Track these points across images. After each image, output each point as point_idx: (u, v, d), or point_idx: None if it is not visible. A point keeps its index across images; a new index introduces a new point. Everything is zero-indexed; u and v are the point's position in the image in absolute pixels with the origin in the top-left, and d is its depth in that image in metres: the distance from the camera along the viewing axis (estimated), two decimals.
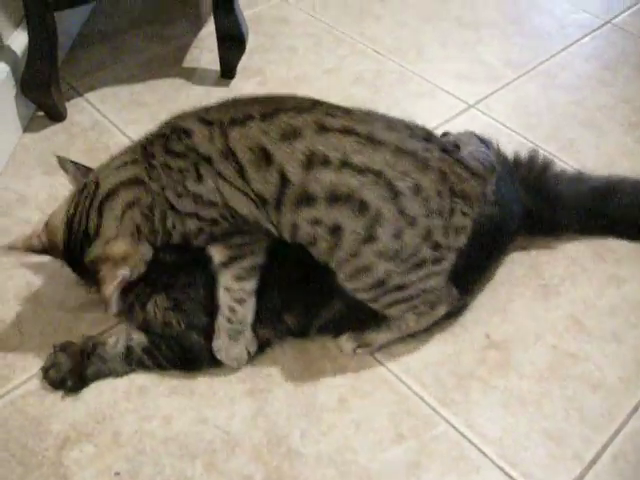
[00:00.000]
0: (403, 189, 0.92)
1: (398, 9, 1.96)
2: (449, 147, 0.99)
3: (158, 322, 1.11)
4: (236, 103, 0.99)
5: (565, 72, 1.74)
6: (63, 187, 1.39)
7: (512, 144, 1.45)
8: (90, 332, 1.17)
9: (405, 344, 1.16)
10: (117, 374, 1.14)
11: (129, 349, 1.13)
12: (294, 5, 1.95)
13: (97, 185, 1.02)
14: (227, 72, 1.64)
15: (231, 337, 1.10)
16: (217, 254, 1.04)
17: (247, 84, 1.65)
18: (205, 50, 1.75)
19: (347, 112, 0.95)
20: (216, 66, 1.67)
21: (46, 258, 1.28)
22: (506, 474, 1.02)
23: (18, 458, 1.03)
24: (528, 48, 1.82)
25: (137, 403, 1.11)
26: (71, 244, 1.03)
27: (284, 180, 0.92)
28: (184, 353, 1.11)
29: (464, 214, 0.97)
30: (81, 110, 1.58)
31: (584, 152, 1.52)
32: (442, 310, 1.12)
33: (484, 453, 1.05)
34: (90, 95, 1.62)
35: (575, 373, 1.14)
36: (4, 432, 1.06)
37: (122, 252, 1.01)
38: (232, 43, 1.56)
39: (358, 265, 0.96)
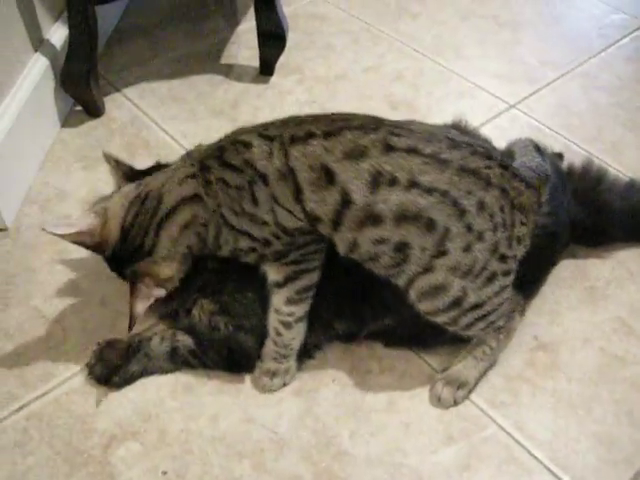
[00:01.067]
0: (468, 207, 0.91)
1: (435, 7, 1.94)
2: (506, 162, 0.99)
3: (204, 326, 1.08)
4: (297, 120, 0.96)
5: (605, 73, 1.71)
6: (103, 183, 1.38)
7: (556, 145, 1.43)
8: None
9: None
10: (162, 372, 1.12)
11: (175, 350, 1.11)
12: (331, 2, 1.93)
13: (160, 200, 0.98)
14: (266, 69, 1.62)
15: (276, 360, 1.09)
16: (272, 273, 1.02)
17: (286, 81, 1.63)
18: (243, 46, 1.73)
19: (411, 131, 0.93)
20: (254, 62, 1.65)
21: (86, 253, 1.27)
22: (558, 478, 1.00)
23: (63, 456, 1.02)
24: (567, 49, 1.79)
25: (183, 401, 1.09)
26: (121, 252, 1.01)
27: (346, 201, 0.90)
28: (232, 355, 1.09)
29: (522, 224, 0.97)
30: (119, 105, 1.57)
31: (626, 154, 1.49)
32: (517, 320, 1.11)
33: (535, 456, 1.02)
34: (128, 90, 1.60)
35: (624, 376, 1.12)
36: (49, 430, 1.05)
37: (166, 276, 1.00)
38: (272, 40, 1.54)
39: (432, 282, 0.95)
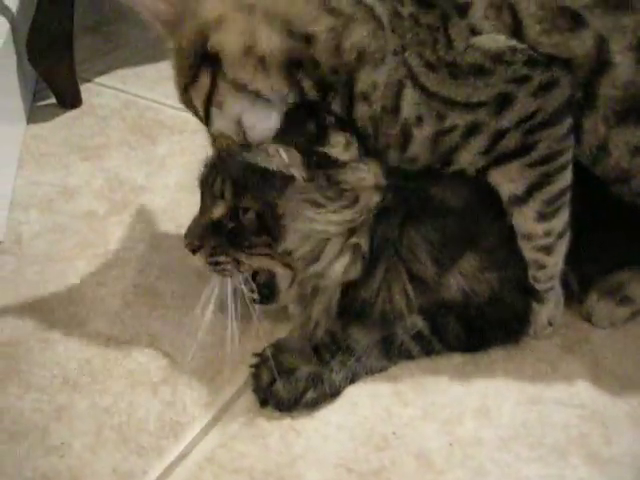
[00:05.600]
0: None
1: None
2: None
3: (460, 295, 0.64)
4: None
5: None
6: (124, 169, 0.90)
7: None
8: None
9: None
10: (370, 372, 0.65)
11: (389, 338, 0.65)
12: None
13: None
14: None
15: (540, 300, 0.67)
16: (507, 184, 0.60)
17: None
18: None
19: None
20: None
21: (143, 242, 0.78)
22: None
23: None
24: None
25: (423, 405, 0.63)
26: None
27: (603, 61, 0.55)
28: (491, 326, 0.66)
29: None
30: (98, 93, 1.06)
31: None
32: None
33: None
34: (102, 79, 1.10)
35: None
36: None
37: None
38: None
39: None
